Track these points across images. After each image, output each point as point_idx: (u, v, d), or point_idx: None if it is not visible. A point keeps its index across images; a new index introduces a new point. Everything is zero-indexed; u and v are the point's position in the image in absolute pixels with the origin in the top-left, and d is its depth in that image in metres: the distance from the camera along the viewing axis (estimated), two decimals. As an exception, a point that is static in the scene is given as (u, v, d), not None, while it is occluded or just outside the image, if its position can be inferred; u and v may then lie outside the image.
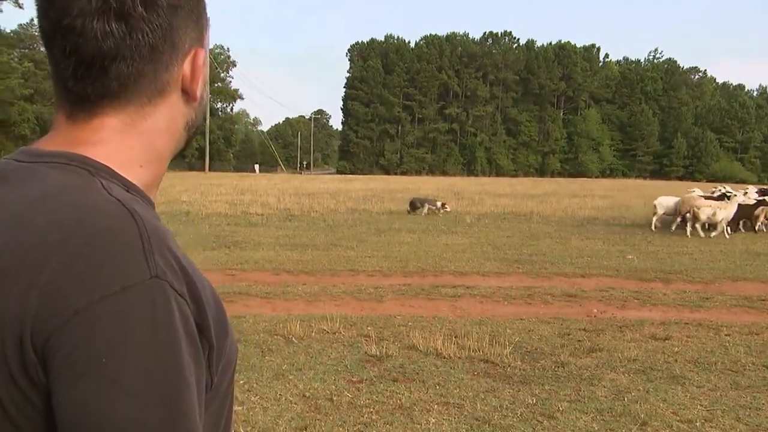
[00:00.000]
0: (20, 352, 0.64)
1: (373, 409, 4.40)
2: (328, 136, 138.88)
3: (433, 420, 4.26)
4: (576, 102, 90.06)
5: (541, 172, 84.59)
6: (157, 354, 0.63)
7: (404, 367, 5.29)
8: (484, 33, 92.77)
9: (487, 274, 9.64)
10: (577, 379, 5.11)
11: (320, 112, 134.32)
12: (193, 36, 0.80)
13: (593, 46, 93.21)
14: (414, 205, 19.30)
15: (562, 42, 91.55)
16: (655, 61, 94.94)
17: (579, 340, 6.21)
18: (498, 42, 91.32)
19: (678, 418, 4.37)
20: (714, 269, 10.50)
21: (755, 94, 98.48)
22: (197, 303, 0.69)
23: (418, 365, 5.34)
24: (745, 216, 16.43)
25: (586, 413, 4.41)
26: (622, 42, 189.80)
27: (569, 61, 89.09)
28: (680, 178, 79.68)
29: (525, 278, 9.45)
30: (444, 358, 5.52)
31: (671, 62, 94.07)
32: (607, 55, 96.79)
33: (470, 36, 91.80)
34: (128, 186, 0.75)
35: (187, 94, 0.81)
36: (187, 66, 0.79)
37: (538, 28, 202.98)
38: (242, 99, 77.25)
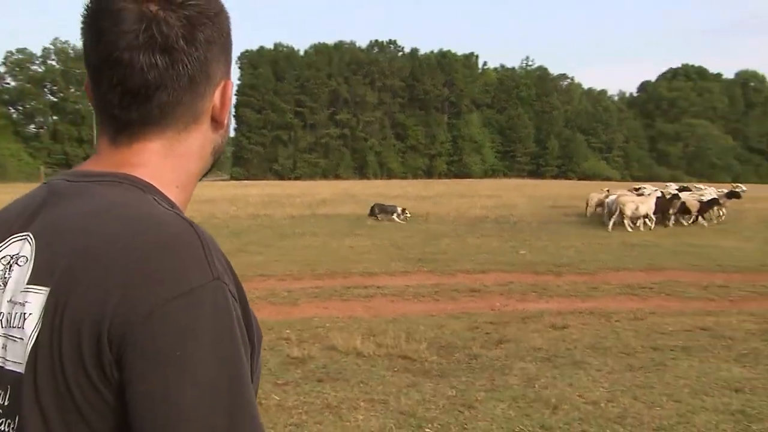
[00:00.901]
0: (97, 349, 0.68)
1: (302, 409, 4.43)
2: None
3: (361, 417, 4.33)
4: (459, 107, 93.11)
5: (429, 174, 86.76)
6: (222, 346, 0.69)
7: (327, 367, 5.35)
8: (371, 41, 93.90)
9: (394, 273, 9.86)
10: (490, 369, 5.35)
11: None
12: (223, 69, 0.86)
13: (472, 54, 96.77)
14: (374, 212, 19.15)
15: (444, 50, 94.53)
16: (528, 68, 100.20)
17: (487, 333, 6.50)
18: (384, 50, 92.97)
19: (584, 400, 4.65)
20: (597, 261, 11.23)
21: (616, 98, 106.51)
22: (244, 306, 0.76)
23: (340, 365, 5.41)
24: (663, 210, 18.04)
25: (503, 401, 4.62)
26: (497, 50, 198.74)
27: (451, 69, 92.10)
28: (555, 177, 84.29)
29: (430, 276, 9.74)
30: (364, 356, 5.62)
31: (542, 69, 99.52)
32: (485, 63, 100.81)
33: (357, 44, 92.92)
34: (171, 204, 0.81)
35: (216, 122, 0.87)
36: (217, 96, 0.86)
37: (421, 37, 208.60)
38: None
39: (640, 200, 17.33)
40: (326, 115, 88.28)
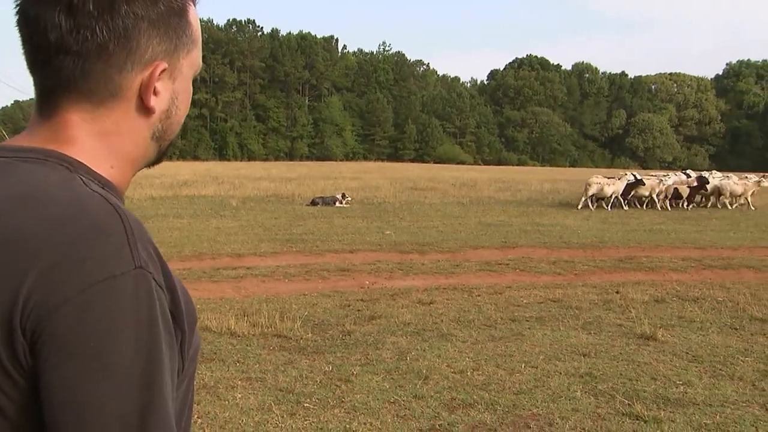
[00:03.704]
0: (10, 337, 0.67)
1: (178, 392, 4.31)
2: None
3: (239, 395, 4.30)
4: (319, 90, 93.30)
5: (291, 156, 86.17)
6: (140, 338, 0.67)
7: (201, 348, 5.22)
8: (229, 20, 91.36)
9: (263, 254, 9.75)
10: (363, 344, 5.48)
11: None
12: (160, 49, 0.79)
13: (332, 37, 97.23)
14: (316, 204, 18.44)
15: (304, 32, 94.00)
16: (386, 53, 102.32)
17: (359, 310, 6.65)
18: (242, 29, 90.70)
19: (452, 370, 4.90)
20: (457, 240, 11.76)
21: (468, 85, 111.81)
22: (172, 293, 0.74)
23: (214, 345, 5.32)
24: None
25: (377, 374, 4.76)
26: (356, 34, 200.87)
27: (311, 51, 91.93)
28: (412, 161, 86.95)
29: (299, 256, 9.74)
30: (239, 336, 5.56)
31: (400, 55, 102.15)
32: (345, 47, 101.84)
33: (215, 22, 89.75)
34: (103, 183, 0.79)
35: (143, 104, 0.80)
36: (145, 76, 0.79)
37: (281, 18, 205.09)
38: (-37, 80, 65.80)
39: (606, 182, 18.94)
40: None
